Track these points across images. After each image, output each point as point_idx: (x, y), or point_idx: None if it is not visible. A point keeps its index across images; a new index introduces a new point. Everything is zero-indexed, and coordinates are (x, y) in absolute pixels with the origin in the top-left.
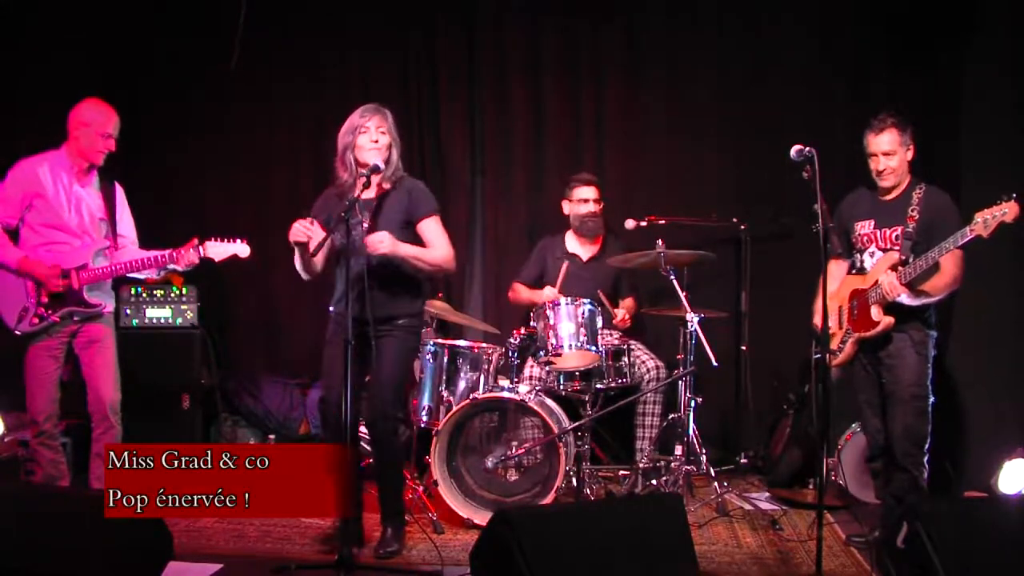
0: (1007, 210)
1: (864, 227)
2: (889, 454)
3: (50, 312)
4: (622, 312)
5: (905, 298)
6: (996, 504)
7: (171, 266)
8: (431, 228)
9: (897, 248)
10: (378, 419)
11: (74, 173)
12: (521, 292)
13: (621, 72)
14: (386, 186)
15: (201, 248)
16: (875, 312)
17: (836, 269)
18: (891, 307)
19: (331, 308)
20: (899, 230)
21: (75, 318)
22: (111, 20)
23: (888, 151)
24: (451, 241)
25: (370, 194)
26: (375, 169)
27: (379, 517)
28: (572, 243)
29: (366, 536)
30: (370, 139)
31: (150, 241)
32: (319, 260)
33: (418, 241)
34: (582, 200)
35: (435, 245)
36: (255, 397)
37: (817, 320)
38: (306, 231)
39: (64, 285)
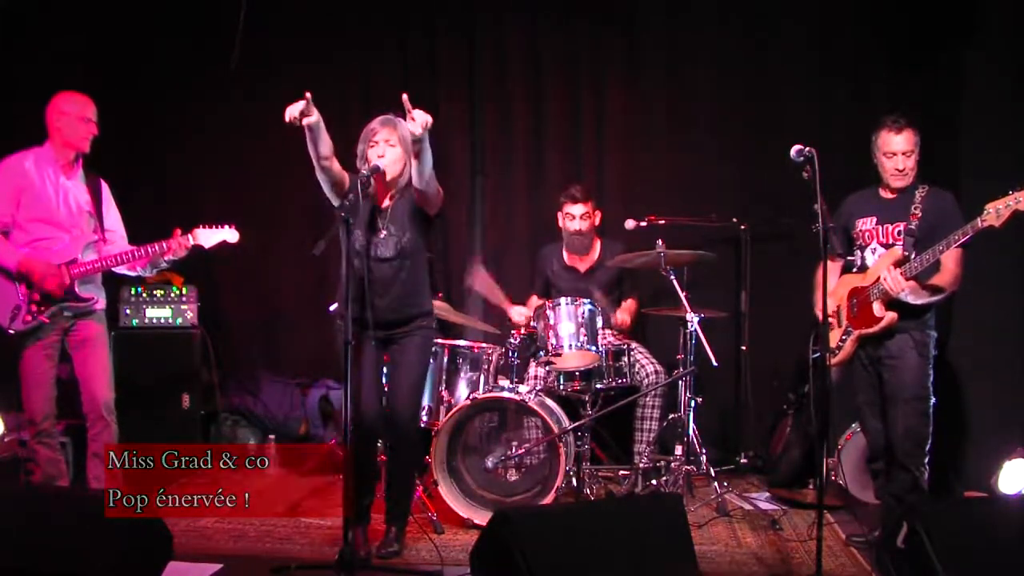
0: (1021, 198)
1: (866, 223)
2: (890, 454)
3: (43, 308)
4: (621, 315)
5: (908, 295)
6: (996, 504)
7: (163, 262)
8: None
9: (899, 243)
10: (402, 423)
11: (60, 166)
12: (534, 304)
13: (621, 72)
14: (390, 193)
15: (190, 235)
16: (877, 308)
17: (831, 268)
18: (893, 304)
19: (331, 309)
20: (901, 226)
21: (67, 313)
22: (110, 20)
23: (907, 150)
24: (451, 241)
25: (385, 202)
26: (375, 170)
27: (383, 516)
28: (568, 255)
29: (368, 536)
30: (377, 153)
31: (148, 240)
32: (330, 158)
33: (430, 227)
34: (570, 216)
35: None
36: (255, 397)
37: (818, 312)
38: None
39: (61, 283)
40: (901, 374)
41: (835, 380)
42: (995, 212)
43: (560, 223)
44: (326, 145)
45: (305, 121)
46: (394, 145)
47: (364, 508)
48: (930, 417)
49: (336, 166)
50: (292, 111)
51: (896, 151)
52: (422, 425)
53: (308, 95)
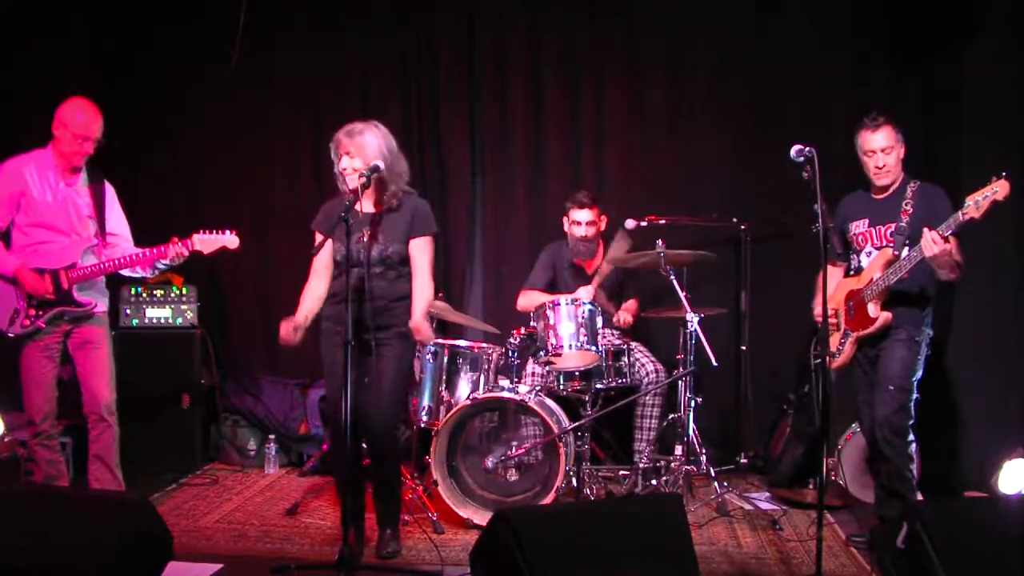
0: (997, 188)
1: (859, 226)
2: (874, 444)
3: (41, 313)
4: (624, 314)
5: (941, 257)
6: (996, 504)
7: (161, 264)
8: (420, 251)
9: (891, 244)
10: (377, 428)
11: (60, 172)
12: (536, 297)
13: (621, 72)
14: (387, 203)
15: (189, 241)
16: (872, 309)
17: (833, 272)
18: (888, 303)
19: (324, 322)
20: (893, 226)
21: (65, 318)
22: (111, 17)
23: (886, 147)
24: (450, 241)
25: (369, 208)
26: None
27: (376, 518)
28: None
29: (366, 536)
30: (341, 166)
31: (149, 241)
32: (323, 279)
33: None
34: (575, 223)
35: (417, 270)
36: (255, 397)
37: (818, 311)
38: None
39: (53, 292)
40: (888, 364)
41: (833, 381)
42: (974, 204)
43: (566, 227)
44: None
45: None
46: (353, 156)
47: (357, 508)
48: (911, 411)
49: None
50: (285, 337)
51: (875, 149)
52: (422, 425)
53: (290, 322)
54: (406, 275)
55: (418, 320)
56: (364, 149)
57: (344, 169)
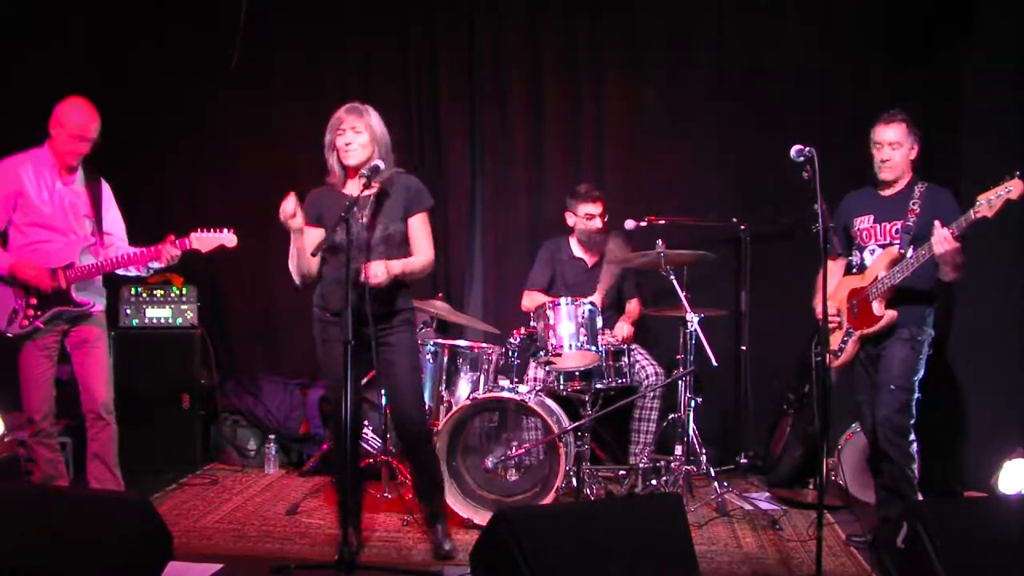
0: (1012, 188)
1: (864, 222)
2: (875, 444)
3: (39, 313)
4: (621, 327)
5: (948, 257)
6: (996, 504)
7: (153, 263)
8: (418, 226)
9: (897, 242)
10: (410, 426)
11: (57, 171)
12: (541, 299)
13: (621, 72)
14: (377, 184)
15: (187, 240)
16: (877, 307)
17: (833, 268)
18: (893, 302)
19: (315, 307)
20: (899, 224)
21: (63, 317)
22: (111, 17)
23: (894, 142)
24: (451, 241)
25: (355, 191)
26: (375, 170)
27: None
28: (577, 249)
29: (363, 536)
30: (345, 141)
31: (149, 242)
32: (314, 262)
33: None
34: (588, 216)
35: (419, 248)
36: (255, 397)
37: (819, 310)
38: (291, 207)
39: (54, 285)
40: (889, 364)
41: (834, 380)
42: (987, 203)
43: (570, 222)
44: (306, 258)
45: (292, 224)
46: (360, 132)
47: (355, 506)
48: (912, 411)
49: (312, 266)
50: (285, 209)
51: (883, 141)
52: None
53: (291, 194)
54: (405, 257)
55: (383, 264)
56: (371, 127)
57: (349, 143)
